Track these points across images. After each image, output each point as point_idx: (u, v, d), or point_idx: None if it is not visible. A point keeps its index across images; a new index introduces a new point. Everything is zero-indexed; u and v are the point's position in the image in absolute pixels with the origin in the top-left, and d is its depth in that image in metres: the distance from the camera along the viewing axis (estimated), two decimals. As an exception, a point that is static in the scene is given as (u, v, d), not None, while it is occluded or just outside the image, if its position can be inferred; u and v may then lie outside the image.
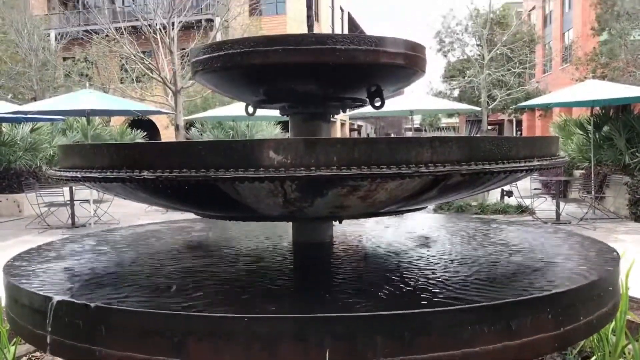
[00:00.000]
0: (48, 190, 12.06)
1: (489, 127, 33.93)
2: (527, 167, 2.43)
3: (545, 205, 12.02)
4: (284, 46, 2.86)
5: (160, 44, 19.26)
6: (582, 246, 3.19)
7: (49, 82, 25.33)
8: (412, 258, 2.94)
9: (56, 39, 28.96)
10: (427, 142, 2.28)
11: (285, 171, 2.11)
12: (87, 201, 11.99)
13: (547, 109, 24.58)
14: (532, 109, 25.34)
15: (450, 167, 2.22)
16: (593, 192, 11.29)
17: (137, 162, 2.27)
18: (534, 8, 37.05)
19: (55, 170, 2.74)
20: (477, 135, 20.87)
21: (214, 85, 3.47)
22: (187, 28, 21.68)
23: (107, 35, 21.33)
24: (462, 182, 2.38)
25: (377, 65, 2.95)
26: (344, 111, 3.75)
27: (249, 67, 2.88)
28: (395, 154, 2.19)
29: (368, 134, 74.65)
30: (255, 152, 2.17)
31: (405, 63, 3.06)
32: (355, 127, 60.83)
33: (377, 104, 3.26)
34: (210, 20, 25.52)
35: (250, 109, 3.58)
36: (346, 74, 3.00)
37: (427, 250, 3.13)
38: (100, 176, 2.33)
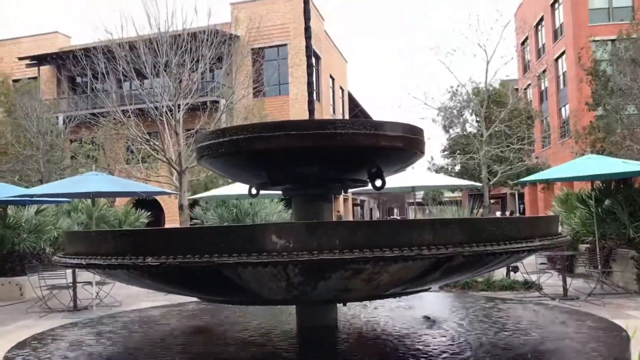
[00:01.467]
0: (51, 273, 11.98)
1: (492, 201, 34.03)
2: (529, 248, 2.44)
3: (551, 281, 11.84)
4: (286, 132, 2.95)
5: (166, 125, 19.72)
6: (591, 327, 3.14)
7: (55, 164, 25.75)
8: (419, 343, 2.89)
9: (64, 122, 29.67)
10: (429, 224, 2.31)
11: (288, 255, 2.12)
12: (90, 283, 11.89)
13: (548, 182, 24.79)
14: (533, 182, 25.57)
15: (453, 249, 2.23)
16: (600, 267, 11.17)
17: (141, 248, 2.30)
18: (529, 85, 38.06)
19: (60, 257, 2.75)
20: (480, 209, 20.94)
21: (219, 170, 3.54)
22: (192, 109, 22.24)
23: (114, 118, 21.88)
24: (465, 264, 2.39)
25: (377, 149, 3.03)
26: (346, 192, 3.81)
27: (253, 152, 2.96)
28: (397, 236, 2.21)
29: (371, 209, 74.78)
30: (258, 236, 2.20)
31: (404, 145, 3.14)
32: (358, 202, 61.02)
33: (378, 184, 3.32)
34: (216, 102, 26.21)
35: (254, 191, 3.64)
36: (347, 157, 3.08)
37: (433, 337, 3.08)
38: (104, 263, 2.35)
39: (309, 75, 4.29)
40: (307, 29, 4.49)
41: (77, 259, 2.54)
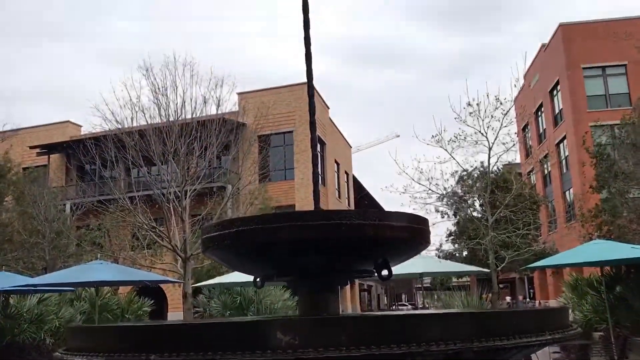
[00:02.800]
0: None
1: (500, 286, 33.42)
2: (539, 342, 2.38)
3: (567, 371, 11.43)
4: (291, 223, 2.96)
5: (172, 212, 19.81)
6: None
7: (61, 251, 25.69)
8: None
9: (71, 209, 29.88)
10: (437, 319, 2.27)
11: (293, 353, 2.08)
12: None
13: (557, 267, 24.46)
14: (542, 267, 25.20)
15: (462, 345, 2.18)
16: (615, 358, 10.80)
17: (144, 344, 2.26)
18: (532, 170, 38.44)
19: (62, 353, 2.70)
20: (489, 294, 20.52)
21: (224, 261, 3.54)
22: (199, 195, 22.42)
23: (121, 205, 22.01)
24: (475, 359, 2.32)
25: (382, 239, 3.03)
26: (352, 282, 3.77)
27: (257, 244, 2.97)
28: (405, 331, 2.17)
29: (378, 295, 73.42)
30: (263, 332, 2.16)
31: (409, 236, 3.14)
32: (365, 287, 60.05)
33: (385, 274, 3.29)
34: (222, 188, 26.48)
35: (259, 282, 3.61)
36: (352, 248, 3.07)
37: None
38: (106, 361, 2.30)
39: (314, 166, 4.37)
40: (312, 124, 4.62)
41: (79, 356, 2.49)
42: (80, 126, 41.14)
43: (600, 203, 22.39)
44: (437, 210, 24.27)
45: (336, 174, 43.70)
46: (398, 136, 79.22)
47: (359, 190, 52.53)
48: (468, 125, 19.18)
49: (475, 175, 23.84)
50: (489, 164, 19.63)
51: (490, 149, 18.76)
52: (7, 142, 27.31)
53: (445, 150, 19.27)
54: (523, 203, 20.63)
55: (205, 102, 20.52)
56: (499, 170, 28.75)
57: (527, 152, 43.39)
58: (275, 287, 19.55)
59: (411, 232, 3.14)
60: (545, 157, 37.31)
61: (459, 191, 23.52)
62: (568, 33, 35.60)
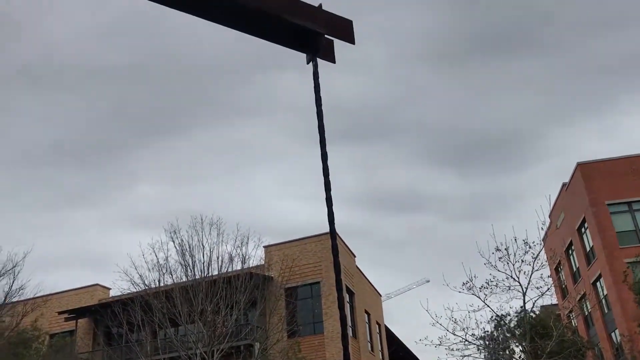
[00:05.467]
0: None
1: None
2: None
3: None
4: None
5: (198, 375, 19.07)
6: None
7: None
8: None
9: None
10: None
11: None
12: None
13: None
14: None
15: None
16: None
17: None
18: (571, 311, 36.81)
19: None
20: None
21: None
22: (226, 355, 21.70)
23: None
24: None
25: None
26: None
27: None
28: None
29: None
30: None
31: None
32: None
33: None
34: (250, 346, 25.69)
35: None
36: None
37: None
38: None
39: (343, 322, 4.19)
40: (338, 282, 4.52)
41: None
42: (109, 289, 41.31)
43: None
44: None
45: (367, 325, 42.30)
46: (428, 281, 77.66)
47: (392, 340, 50.49)
48: (499, 271, 18.82)
49: (513, 322, 22.87)
50: (524, 309, 18.94)
51: (524, 294, 18.24)
52: (37, 311, 27.40)
53: (478, 297, 18.74)
54: (567, 350, 19.49)
55: (231, 260, 20.67)
56: (536, 314, 27.60)
57: (563, 293, 41.88)
58: None
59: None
60: (583, 297, 35.89)
61: (497, 338, 22.43)
62: (587, 171, 35.96)
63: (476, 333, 18.80)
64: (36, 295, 28.43)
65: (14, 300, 26.96)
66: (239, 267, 21.82)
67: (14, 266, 26.23)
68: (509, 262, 18.59)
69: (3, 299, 26.24)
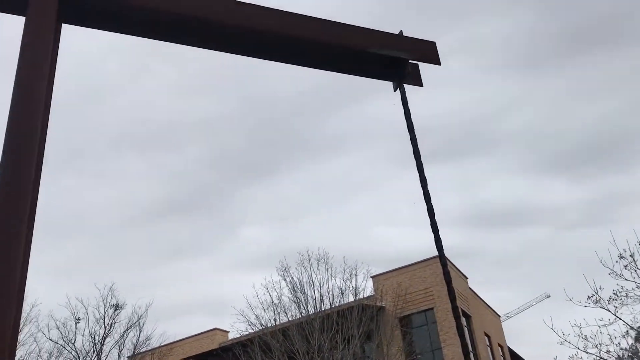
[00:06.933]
0: None
1: None
2: None
3: None
4: None
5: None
6: None
7: None
8: None
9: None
10: None
11: None
12: None
13: None
14: None
15: None
16: None
17: None
18: None
19: None
20: None
21: None
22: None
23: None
24: None
25: None
26: None
27: None
28: None
29: None
30: None
31: None
32: None
33: None
34: (370, 380, 25.41)
35: None
36: None
37: None
38: None
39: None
40: (455, 309, 4.38)
41: None
42: (227, 332, 42.55)
43: None
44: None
45: (489, 348, 40.59)
46: (548, 296, 73.41)
47: (517, 361, 48.03)
48: (626, 280, 17.38)
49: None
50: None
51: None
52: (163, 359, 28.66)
53: (608, 310, 17.38)
54: None
55: (342, 293, 20.71)
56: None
57: None
58: None
59: None
60: None
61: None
62: None
63: (611, 349, 17.36)
64: (162, 345, 29.82)
65: (142, 351, 28.39)
66: (350, 300, 21.81)
67: (139, 318, 27.73)
68: (637, 269, 17.14)
69: (132, 350, 27.72)
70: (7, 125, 2.51)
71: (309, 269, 21.67)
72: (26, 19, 2.79)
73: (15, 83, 2.62)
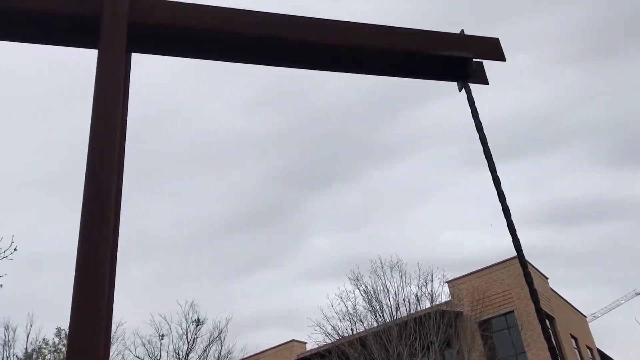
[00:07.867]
0: None
1: None
2: None
3: None
4: None
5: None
6: None
7: None
8: None
9: None
10: None
11: None
12: None
13: None
14: None
15: None
16: None
17: None
18: None
19: None
20: None
21: None
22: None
23: None
24: None
25: None
26: None
27: None
28: None
29: None
30: None
31: None
32: None
33: None
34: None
35: None
36: None
37: None
38: None
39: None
40: (539, 311, 4.21)
41: None
42: (305, 343, 42.79)
43: None
44: None
45: (576, 351, 38.87)
46: (638, 294, 69.61)
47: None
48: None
49: None
50: None
51: None
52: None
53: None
54: None
55: (418, 300, 20.42)
56: None
57: None
58: None
59: None
60: None
61: None
62: None
63: None
64: (243, 358, 30.35)
65: (225, 364, 28.99)
66: (427, 306, 21.46)
67: (220, 333, 28.35)
68: None
69: (215, 364, 28.36)
70: (88, 156, 2.62)
71: (382, 277, 21.51)
72: (99, 52, 2.92)
73: (92, 115, 2.74)
